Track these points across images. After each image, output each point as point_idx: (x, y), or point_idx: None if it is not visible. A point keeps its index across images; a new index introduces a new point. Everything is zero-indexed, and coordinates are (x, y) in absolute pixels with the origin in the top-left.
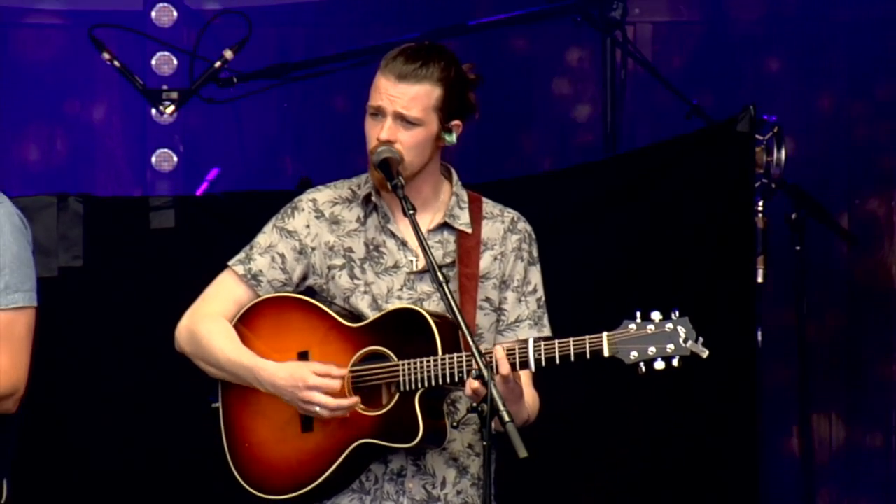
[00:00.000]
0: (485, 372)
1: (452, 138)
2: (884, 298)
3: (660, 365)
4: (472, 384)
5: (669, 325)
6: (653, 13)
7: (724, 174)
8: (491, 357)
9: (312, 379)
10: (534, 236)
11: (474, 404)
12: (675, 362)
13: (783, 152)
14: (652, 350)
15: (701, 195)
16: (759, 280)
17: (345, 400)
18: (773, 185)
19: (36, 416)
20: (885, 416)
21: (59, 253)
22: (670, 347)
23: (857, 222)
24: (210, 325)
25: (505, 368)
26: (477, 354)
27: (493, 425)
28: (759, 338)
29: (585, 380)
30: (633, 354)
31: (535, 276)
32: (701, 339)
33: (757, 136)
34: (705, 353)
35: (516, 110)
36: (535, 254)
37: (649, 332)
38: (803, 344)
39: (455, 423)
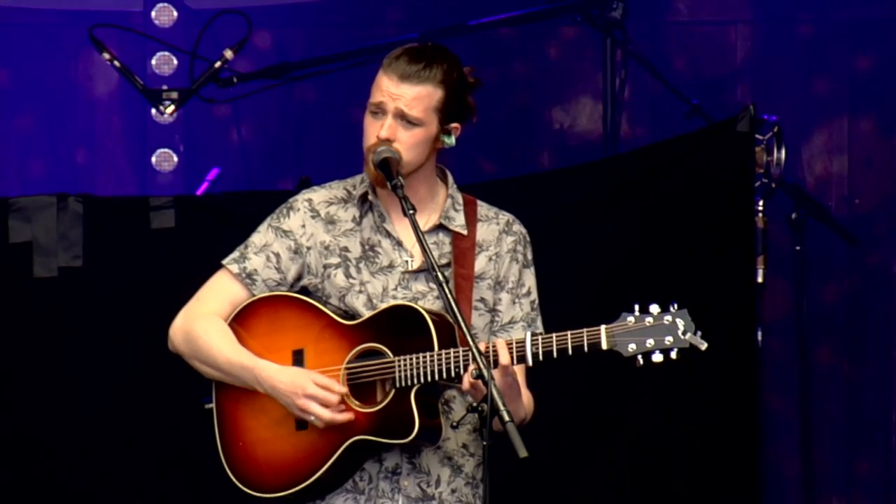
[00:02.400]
0: (485, 371)
1: (452, 140)
2: (884, 298)
3: (658, 357)
4: (471, 378)
5: (668, 318)
6: (654, 13)
7: (724, 174)
8: (490, 354)
9: (311, 388)
10: (528, 239)
11: (474, 404)
12: (673, 355)
13: (783, 152)
14: (650, 342)
15: (701, 195)
16: (759, 280)
17: (339, 414)
18: (773, 185)
19: (34, 416)
20: (885, 415)
21: (59, 253)
22: (668, 339)
23: (857, 222)
24: (206, 324)
25: (505, 358)
26: (476, 353)
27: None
28: (759, 338)
29: (584, 380)
30: (632, 347)
31: (530, 278)
32: (699, 332)
33: (757, 136)
34: (704, 346)
35: (517, 110)
36: (530, 256)
37: (647, 324)
38: (803, 344)
39: (455, 424)
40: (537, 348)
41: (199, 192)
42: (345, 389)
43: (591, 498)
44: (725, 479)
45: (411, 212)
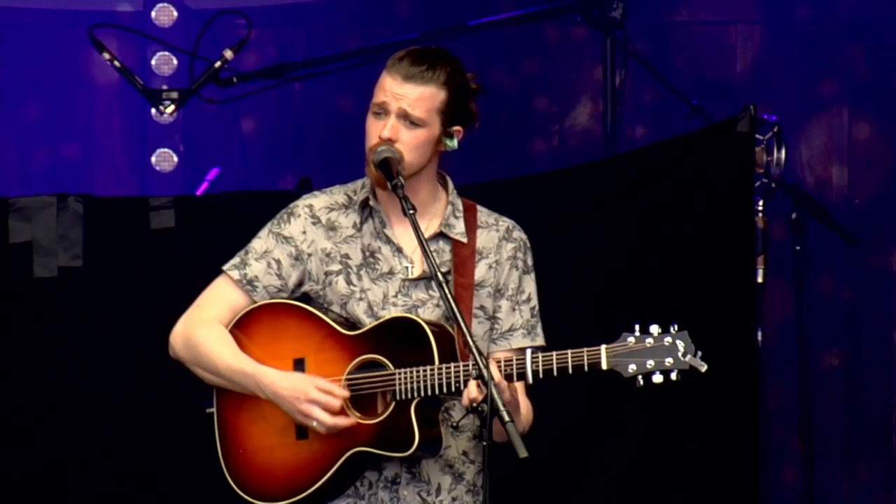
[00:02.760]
0: (485, 372)
1: (454, 143)
2: (884, 298)
3: (658, 378)
4: (470, 393)
5: (668, 339)
6: (654, 13)
7: (724, 174)
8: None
9: (314, 393)
10: (528, 245)
11: (474, 404)
12: (673, 376)
13: (783, 152)
14: (650, 363)
15: (701, 195)
16: (759, 280)
17: (342, 418)
18: (773, 185)
19: (33, 416)
20: (886, 415)
21: (59, 253)
22: (669, 361)
23: (858, 222)
24: (206, 331)
25: (496, 376)
26: (477, 354)
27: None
28: (759, 338)
29: (583, 380)
30: (632, 368)
31: (530, 284)
32: (699, 353)
33: (757, 136)
34: (703, 367)
35: (517, 110)
36: (530, 262)
37: (648, 345)
38: (803, 344)
39: (455, 424)
40: (537, 366)
41: (199, 192)
42: (347, 394)
43: (590, 499)
44: (725, 479)
45: (411, 212)
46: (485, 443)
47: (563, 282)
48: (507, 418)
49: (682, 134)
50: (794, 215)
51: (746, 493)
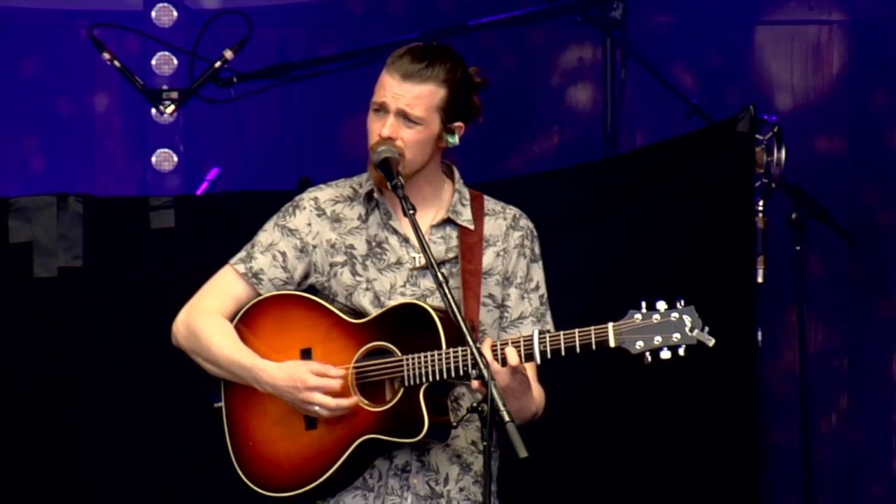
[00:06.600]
0: (485, 372)
1: (455, 139)
2: (884, 299)
3: (665, 354)
4: (475, 384)
5: (675, 314)
6: (655, 13)
7: (724, 174)
8: (495, 353)
9: (312, 379)
10: (535, 233)
11: (474, 404)
12: (681, 351)
13: (783, 152)
14: (658, 339)
15: (701, 195)
16: (759, 280)
17: (344, 399)
18: (773, 185)
19: (35, 417)
20: (886, 415)
21: (59, 253)
22: (676, 336)
23: (857, 222)
24: (208, 321)
25: (514, 359)
26: (476, 353)
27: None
28: (759, 338)
29: (585, 381)
30: (639, 344)
31: (538, 272)
32: (707, 328)
33: (757, 136)
34: (711, 342)
35: (517, 110)
36: (538, 251)
37: (655, 321)
38: (803, 343)
39: (455, 424)
40: (545, 346)
41: (199, 192)
42: (342, 372)
43: (590, 499)
44: (726, 479)
45: (411, 212)
46: (485, 442)
47: (563, 282)
48: (507, 418)
49: (682, 134)
50: (794, 215)
51: (747, 493)
